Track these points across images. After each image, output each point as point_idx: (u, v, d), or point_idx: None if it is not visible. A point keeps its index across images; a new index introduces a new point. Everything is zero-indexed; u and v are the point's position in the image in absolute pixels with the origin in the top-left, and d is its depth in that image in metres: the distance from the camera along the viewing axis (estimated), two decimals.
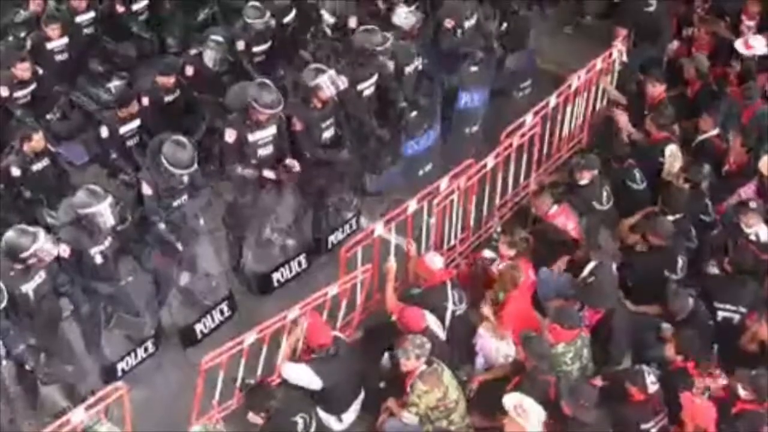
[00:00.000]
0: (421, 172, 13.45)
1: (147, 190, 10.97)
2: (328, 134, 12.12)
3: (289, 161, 11.66)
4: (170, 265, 11.32)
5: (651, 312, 11.28)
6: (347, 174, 12.66)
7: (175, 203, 11.16)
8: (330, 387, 10.26)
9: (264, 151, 11.62)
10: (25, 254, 9.78)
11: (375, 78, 12.72)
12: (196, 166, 10.97)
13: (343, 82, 11.98)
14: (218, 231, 12.09)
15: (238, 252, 12.17)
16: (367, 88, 12.74)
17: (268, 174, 11.58)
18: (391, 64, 12.91)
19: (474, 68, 13.73)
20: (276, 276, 12.09)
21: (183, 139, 11.01)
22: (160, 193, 11.01)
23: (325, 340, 10.31)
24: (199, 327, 11.42)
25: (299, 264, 12.25)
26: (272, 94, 11.41)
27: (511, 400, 9.50)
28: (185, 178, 10.96)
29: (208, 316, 11.50)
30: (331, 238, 12.60)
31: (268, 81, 11.72)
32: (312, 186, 12.21)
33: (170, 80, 12.97)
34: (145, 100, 12.82)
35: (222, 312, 11.59)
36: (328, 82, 11.82)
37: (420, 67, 13.35)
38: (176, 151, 10.83)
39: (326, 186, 12.40)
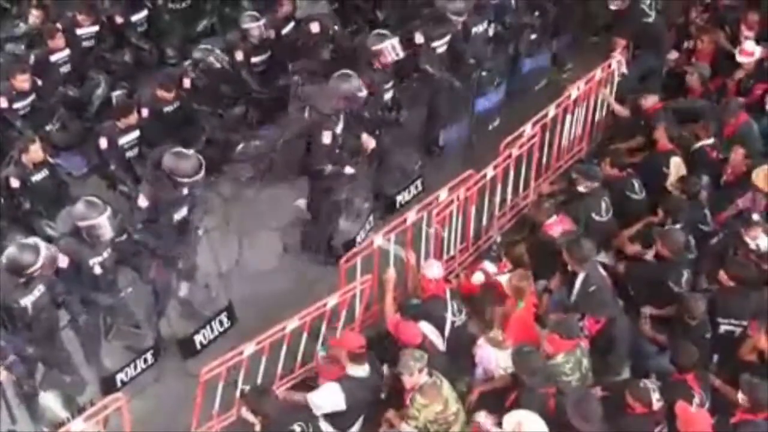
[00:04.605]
0: (490, 127, 14.43)
1: (143, 202, 10.96)
2: (388, 96, 13.00)
3: (364, 138, 12.42)
4: (169, 276, 11.32)
5: (663, 315, 11.31)
6: (407, 135, 13.66)
7: (176, 216, 11.15)
8: (349, 407, 10.15)
9: (340, 137, 12.11)
10: (30, 270, 9.78)
11: (448, 38, 13.65)
12: (202, 174, 10.99)
13: (400, 51, 12.85)
14: (215, 231, 12.10)
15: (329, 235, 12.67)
16: (441, 46, 13.65)
17: (349, 170, 12.18)
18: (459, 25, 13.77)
19: (534, 36, 15.22)
20: (358, 239, 12.59)
21: (183, 150, 11.03)
22: (159, 205, 11.00)
23: (360, 342, 10.23)
24: (198, 338, 11.41)
25: (370, 223, 12.86)
26: (354, 79, 12.04)
27: (510, 420, 9.50)
28: (184, 190, 10.98)
29: (208, 327, 11.49)
30: (399, 198, 13.35)
31: (347, 71, 12.13)
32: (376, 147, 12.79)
33: (170, 92, 12.99)
34: (145, 112, 12.86)
35: (221, 323, 11.58)
36: (390, 48, 12.64)
37: (491, 31, 14.49)
38: (178, 161, 10.86)
39: (388, 146, 13.07)
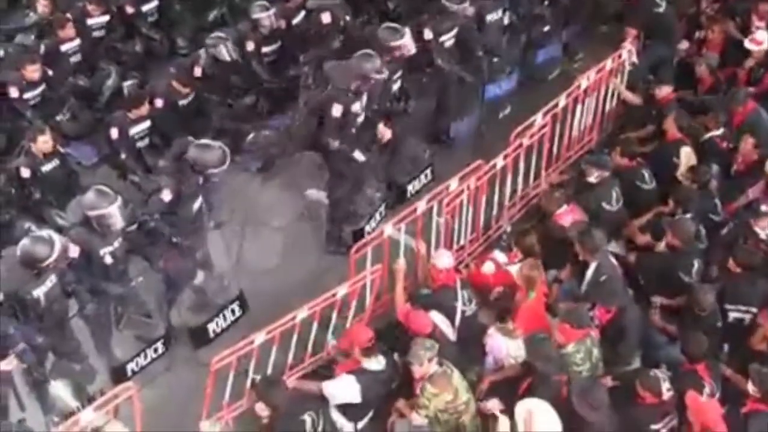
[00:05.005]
0: (501, 115, 14.48)
1: (167, 195, 10.97)
2: (396, 86, 12.99)
3: (381, 128, 12.50)
4: (185, 265, 11.35)
5: (674, 305, 11.29)
6: (416, 125, 13.69)
7: (195, 206, 11.18)
8: (364, 399, 10.18)
9: (359, 119, 12.12)
10: (45, 263, 9.79)
11: (455, 31, 13.57)
12: (227, 164, 11.03)
13: (413, 46, 12.81)
14: (226, 225, 12.14)
15: (343, 218, 12.73)
16: (448, 39, 13.58)
17: (359, 156, 12.18)
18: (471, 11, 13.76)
19: (546, 28, 15.24)
20: (367, 228, 12.55)
21: (208, 141, 11.15)
22: (183, 198, 11.04)
23: (369, 334, 10.26)
24: (211, 326, 11.43)
25: (381, 213, 12.82)
26: (376, 59, 12.00)
27: (521, 408, 9.51)
28: (200, 179, 11.03)
29: (221, 316, 11.50)
30: (410, 188, 13.32)
31: (370, 51, 12.13)
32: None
33: (186, 86, 13.01)
34: (160, 102, 12.89)
35: (233, 312, 11.59)
36: (408, 44, 12.59)
37: (506, 20, 14.59)
38: (204, 152, 10.92)
39: (398, 136, 13.01)
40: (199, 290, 11.71)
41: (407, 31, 12.71)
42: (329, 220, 12.71)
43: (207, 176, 10.94)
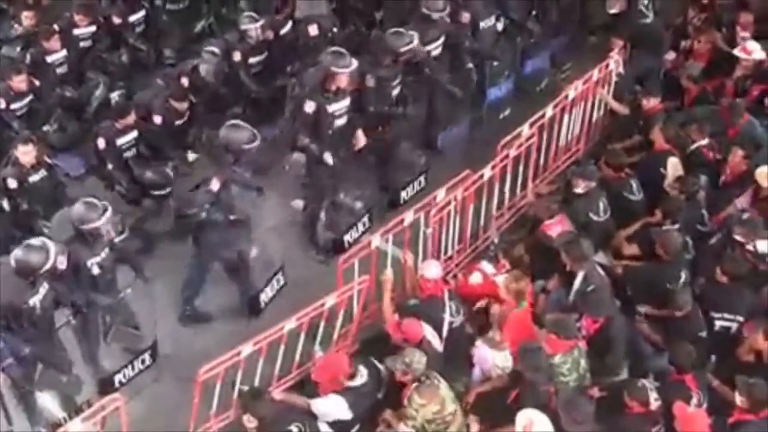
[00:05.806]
0: (501, 116, 14.70)
1: (216, 184, 11.10)
2: (395, 92, 13.01)
3: (358, 134, 12.50)
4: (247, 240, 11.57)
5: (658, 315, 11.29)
6: (412, 130, 13.65)
7: (234, 190, 11.34)
8: (354, 415, 10.16)
9: (339, 122, 12.18)
10: (41, 271, 9.78)
11: (442, 39, 13.58)
12: (258, 140, 11.32)
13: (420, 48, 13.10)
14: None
15: (314, 222, 12.74)
16: (435, 48, 13.56)
17: (328, 159, 12.14)
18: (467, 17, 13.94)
19: (532, 40, 15.28)
20: (347, 237, 12.56)
21: (236, 122, 11.49)
22: (228, 184, 11.20)
23: (345, 361, 10.26)
24: (262, 297, 11.71)
25: (364, 224, 12.74)
26: (346, 57, 12.06)
27: (522, 418, 9.50)
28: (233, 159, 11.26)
29: (269, 286, 11.81)
30: (403, 194, 13.33)
31: (339, 48, 12.25)
32: (380, 141, 12.89)
33: (183, 105, 13.05)
34: (158, 119, 12.93)
35: (279, 281, 11.96)
36: (414, 47, 12.80)
37: (500, 26, 14.65)
38: (237, 132, 11.28)
39: (392, 141, 13.14)
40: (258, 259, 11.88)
41: (415, 35, 12.79)
42: (308, 227, 12.79)
43: (241, 152, 11.21)
